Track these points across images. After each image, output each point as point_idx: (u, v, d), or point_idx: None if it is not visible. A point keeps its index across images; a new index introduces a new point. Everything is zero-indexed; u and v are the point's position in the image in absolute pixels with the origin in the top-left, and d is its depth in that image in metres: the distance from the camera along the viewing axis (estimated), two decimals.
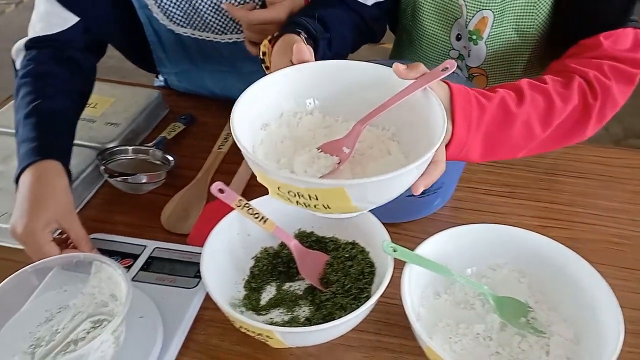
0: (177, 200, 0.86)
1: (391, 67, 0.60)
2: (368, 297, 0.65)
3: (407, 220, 0.82)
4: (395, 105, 0.58)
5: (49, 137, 0.77)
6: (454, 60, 0.59)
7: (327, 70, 0.64)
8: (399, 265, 0.63)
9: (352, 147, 0.58)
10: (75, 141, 0.91)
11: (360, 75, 0.64)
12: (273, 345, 0.61)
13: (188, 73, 1.07)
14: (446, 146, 0.62)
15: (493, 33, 0.91)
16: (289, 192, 0.52)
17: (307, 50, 0.63)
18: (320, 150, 0.58)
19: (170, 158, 0.89)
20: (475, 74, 0.97)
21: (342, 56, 0.88)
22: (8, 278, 0.60)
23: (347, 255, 0.70)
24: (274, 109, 0.63)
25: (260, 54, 0.78)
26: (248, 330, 0.59)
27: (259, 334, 0.59)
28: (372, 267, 0.68)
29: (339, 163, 0.57)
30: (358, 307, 0.64)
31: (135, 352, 0.60)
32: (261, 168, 0.52)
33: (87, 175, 0.87)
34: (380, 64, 0.63)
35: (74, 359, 0.54)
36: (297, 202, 0.53)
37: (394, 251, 0.63)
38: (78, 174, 0.85)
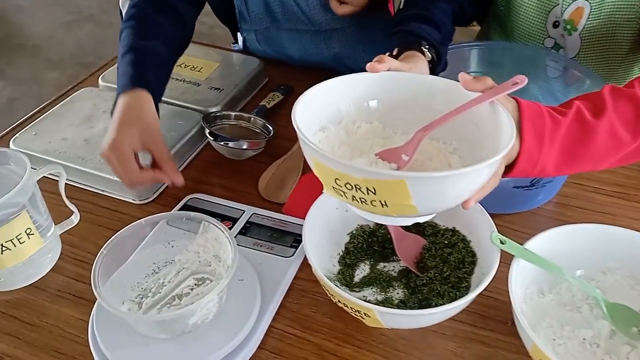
0: (274, 169, 0.87)
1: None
2: (467, 287, 0.64)
3: (509, 212, 0.79)
4: (459, 119, 0.57)
5: (143, 71, 0.79)
6: (524, 76, 0.56)
7: (391, 80, 0.63)
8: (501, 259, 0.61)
9: (412, 155, 0.56)
10: (181, 103, 0.95)
11: (424, 87, 0.63)
12: (368, 323, 0.60)
13: (267, 32, 1.07)
14: (515, 162, 0.59)
15: (589, 25, 0.87)
16: (346, 185, 0.51)
17: (389, 61, 0.62)
18: (378, 156, 0.57)
19: (270, 127, 0.90)
20: None
21: None
22: (124, 228, 0.63)
23: (446, 242, 0.69)
24: (333, 113, 0.63)
25: None
26: (346, 306, 0.59)
27: (356, 311, 0.59)
28: (474, 257, 0.66)
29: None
30: (456, 295, 0.63)
31: (235, 313, 0.61)
32: (320, 155, 0.51)
33: (192, 137, 0.89)
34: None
35: (183, 314, 0.56)
36: (352, 197, 0.52)
37: (502, 243, 0.60)
38: (183, 135, 0.88)
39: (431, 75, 0.65)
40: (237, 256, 0.59)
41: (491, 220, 0.65)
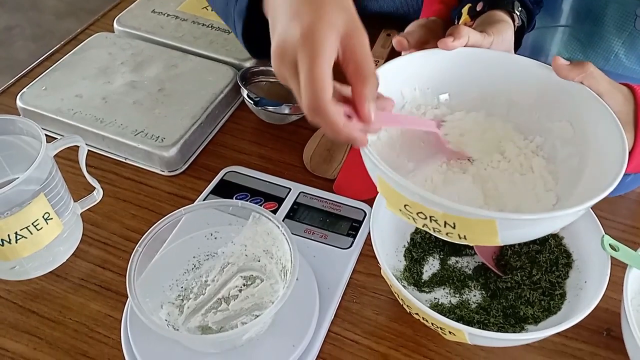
0: (319, 137, 0.76)
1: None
2: (562, 295, 0.55)
3: None
4: (548, 109, 0.49)
5: None
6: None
7: (466, 59, 0.52)
8: None
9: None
10: (212, 55, 0.83)
11: (505, 70, 0.52)
12: (448, 338, 0.52)
13: None
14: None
15: None
16: (418, 214, 0.42)
17: (466, 35, 0.50)
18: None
19: None
20: None
21: None
22: (160, 221, 0.53)
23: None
24: (395, 99, 0.52)
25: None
26: (425, 320, 0.50)
27: (439, 327, 0.50)
28: (569, 257, 0.57)
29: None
30: (549, 305, 0.54)
31: (292, 320, 0.53)
32: (391, 180, 0.41)
33: (224, 96, 0.77)
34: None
35: (236, 333, 0.47)
36: (424, 224, 0.43)
37: (614, 250, 0.51)
38: (216, 95, 0.76)
39: (518, 56, 0.53)
40: (298, 261, 0.49)
41: (595, 217, 0.54)
